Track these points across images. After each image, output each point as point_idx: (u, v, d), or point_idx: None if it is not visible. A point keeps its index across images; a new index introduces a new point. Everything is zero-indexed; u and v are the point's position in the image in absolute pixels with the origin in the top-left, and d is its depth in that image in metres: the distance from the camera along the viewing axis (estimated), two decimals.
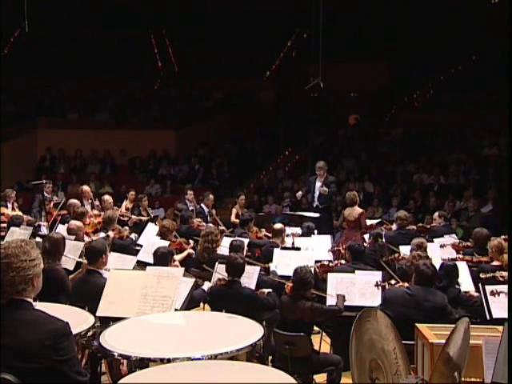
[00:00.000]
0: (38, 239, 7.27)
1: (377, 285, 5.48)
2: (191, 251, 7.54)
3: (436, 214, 9.21)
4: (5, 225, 8.50)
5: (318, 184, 10.13)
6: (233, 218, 10.50)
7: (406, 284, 5.28)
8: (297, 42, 19.71)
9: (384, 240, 7.83)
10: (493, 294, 5.08)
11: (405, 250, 7.10)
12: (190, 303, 5.16)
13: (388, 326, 3.69)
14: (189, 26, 18.39)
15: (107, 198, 9.93)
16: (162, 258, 5.74)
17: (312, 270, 5.59)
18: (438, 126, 17.12)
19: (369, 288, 5.57)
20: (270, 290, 5.75)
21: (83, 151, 17.87)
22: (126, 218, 9.50)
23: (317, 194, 10.11)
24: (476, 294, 5.43)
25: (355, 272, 5.90)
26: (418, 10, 16.80)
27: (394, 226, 8.74)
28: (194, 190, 11.82)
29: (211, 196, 10.59)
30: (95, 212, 9.29)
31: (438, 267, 5.75)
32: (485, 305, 5.06)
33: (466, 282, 5.87)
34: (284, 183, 16.39)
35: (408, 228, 8.48)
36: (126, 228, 8.62)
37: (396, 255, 7.13)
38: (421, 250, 6.47)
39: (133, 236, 8.14)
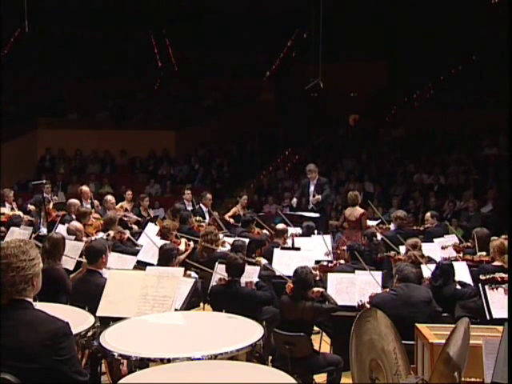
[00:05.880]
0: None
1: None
2: (187, 242, 7.56)
3: (428, 214, 9.05)
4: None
5: (312, 188, 10.14)
6: (226, 216, 10.48)
7: (388, 289, 5.33)
8: (297, 42, 19.72)
9: (380, 239, 7.81)
10: (491, 288, 5.09)
11: (404, 251, 7.09)
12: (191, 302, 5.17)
13: (388, 326, 3.69)
14: (189, 26, 18.39)
15: (110, 198, 9.90)
16: (166, 254, 5.86)
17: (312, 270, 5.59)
18: (438, 126, 17.12)
19: (368, 288, 5.57)
20: (257, 279, 5.76)
21: (83, 151, 17.86)
22: (127, 219, 9.49)
23: (311, 197, 10.12)
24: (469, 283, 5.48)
25: (355, 272, 5.91)
26: (418, 10, 16.81)
27: (391, 226, 8.72)
28: (194, 190, 11.82)
29: (208, 195, 10.58)
30: (95, 215, 9.24)
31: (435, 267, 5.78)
32: (485, 305, 5.06)
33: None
34: (284, 183, 16.39)
35: (407, 228, 8.46)
36: (127, 231, 8.58)
37: (392, 253, 7.13)
38: (416, 250, 6.48)
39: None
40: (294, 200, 10.39)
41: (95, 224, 8.47)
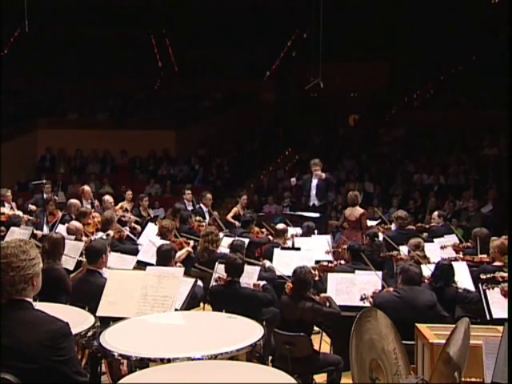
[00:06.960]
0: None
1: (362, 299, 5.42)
2: (190, 249, 7.53)
3: (435, 213, 9.16)
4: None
5: (314, 182, 10.07)
6: (228, 217, 10.48)
7: (391, 288, 5.29)
8: (297, 42, 19.71)
9: (382, 239, 7.81)
10: (488, 287, 5.08)
11: (405, 250, 7.09)
12: (191, 302, 5.17)
13: (388, 326, 3.69)
14: (189, 26, 18.39)
15: (108, 198, 9.92)
16: (165, 254, 5.84)
17: (312, 270, 5.59)
18: (438, 126, 17.11)
19: (369, 288, 5.56)
20: (264, 282, 5.76)
21: (83, 151, 17.88)
22: (126, 219, 9.49)
23: (313, 192, 10.05)
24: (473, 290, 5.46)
25: (355, 272, 5.91)
26: (418, 10, 16.80)
27: (392, 226, 8.73)
28: (194, 190, 11.83)
29: (209, 195, 10.58)
30: (94, 214, 9.25)
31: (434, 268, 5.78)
32: (485, 305, 5.05)
33: (466, 283, 5.85)
34: (284, 183, 16.38)
35: (408, 228, 8.47)
36: (127, 228, 8.61)
37: (395, 253, 7.13)
38: (418, 250, 6.48)
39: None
40: (293, 179, 10.36)
41: (93, 223, 8.48)
